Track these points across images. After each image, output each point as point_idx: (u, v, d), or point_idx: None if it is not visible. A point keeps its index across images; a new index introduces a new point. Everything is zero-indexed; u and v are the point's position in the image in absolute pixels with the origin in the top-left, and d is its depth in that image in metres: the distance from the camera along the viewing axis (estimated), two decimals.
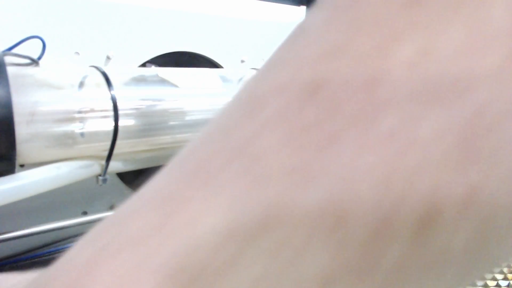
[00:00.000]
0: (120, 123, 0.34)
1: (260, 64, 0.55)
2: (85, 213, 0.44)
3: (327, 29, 0.08)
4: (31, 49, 0.35)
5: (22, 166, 0.35)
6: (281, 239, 0.07)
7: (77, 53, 0.40)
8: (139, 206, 0.09)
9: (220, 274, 0.08)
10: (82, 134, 0.33)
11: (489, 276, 0.45)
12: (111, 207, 0.47)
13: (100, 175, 0.37)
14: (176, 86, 0.38)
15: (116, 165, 0.38)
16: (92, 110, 0.33)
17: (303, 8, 0.57)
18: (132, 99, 0.35)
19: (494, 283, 0.44)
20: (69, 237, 0.43)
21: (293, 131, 0.08)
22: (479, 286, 0.43)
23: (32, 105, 0.30)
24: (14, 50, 0.34)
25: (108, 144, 0.34)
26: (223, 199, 0.08)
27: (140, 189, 0.10)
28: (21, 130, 0.29)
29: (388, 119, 0.07)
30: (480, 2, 0.07)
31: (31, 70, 0.33)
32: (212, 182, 0.08)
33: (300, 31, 0.09)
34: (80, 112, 0.32)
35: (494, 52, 0.07)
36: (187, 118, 0.39)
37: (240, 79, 0.45)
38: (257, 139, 0.08)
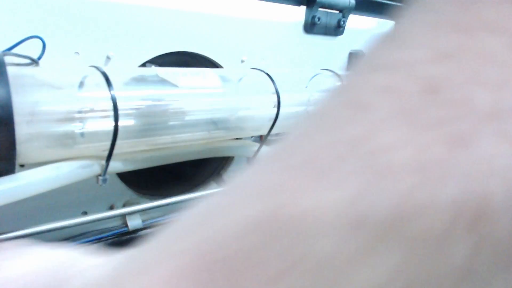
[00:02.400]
0: (120, 123, 0.34)
1: (260, 64, 0.55)
2: (85, 213, 0.44)
3: (435, 34, 0.09)
4: (31, 49, 0.35)
5: (22, 166, 0.35)
6: (420, 230, 0.08)
7: (77, 53, 0.40)
8: (242, 196, 0.09)
9: (351, 263, 0.08)
10: (82, 134, 0.33)
11: None
12: (111, 207, 0.47)
13: (100, 175, 0.37)
14: (176, 86, 0.38)
15: (116, 165, 0.38)
16: (92, 110, 0.33)
17: (302, 8, 0.57)
18: (132, 99, 0.35)
19: None
20: (69, 237, 0.43)
21: (416, 129, 0.08)
22: None
23: (32, 105, 0.30)
24: (14, 50, 0.34)
25: (108, 144, 0.34)
26: (345, 193, 0.08)
27: (233, 181, 0.10)
28: (21, 130, 0.29)
29: None
30: None
31: (31, 70, 0.33)
32: (326, 176, 0.08)
33: (393, 37, 0.10)
34: (80, 112, 0.32)
35: None
36: (187, 118, 0.39)
37: (240, 79, 0.45)
38: (372, 137, 0.08)
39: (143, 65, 0.45)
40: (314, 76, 0.52)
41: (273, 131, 0.47)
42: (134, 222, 0.45)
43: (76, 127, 0.32)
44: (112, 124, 0.34)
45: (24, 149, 0.30)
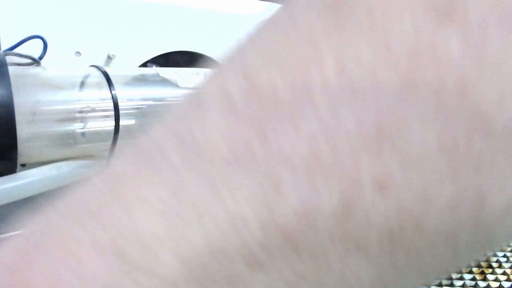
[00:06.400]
0: (121, 123, 0.34)
1: None
2: None
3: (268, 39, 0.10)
4: (33, 48, 0.35)
5: (23, 165, 0.35)
6: None
7: (78, 52, 0.40)
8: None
9: None
10: (83, 134, 0.33)
11: (492, 277, 0.44)
12: None
13: None
14: (177, 86, 0.38)
15: None
16: (93, 110, 0.33)
17: None
18: (133, 99, 0.36)
19: (497, 284, 0.44)
20: None
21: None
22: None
23: (33, 104, 0.30)
24: (16, 50, 0.34)
25: (109, 143, 0.34)
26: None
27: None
28: (23, 130, 0.29)
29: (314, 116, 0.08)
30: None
31: (32, 70, 0.33)
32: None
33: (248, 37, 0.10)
34: (81, 111, 0.32)
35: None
36: None
37: None
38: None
39: (144, 64, 0.45)
40: None
41: None
42: None
43: (77, 127, 0.32)
44: (113, 124, 0.34)
45: (25, 149, 0.30)
